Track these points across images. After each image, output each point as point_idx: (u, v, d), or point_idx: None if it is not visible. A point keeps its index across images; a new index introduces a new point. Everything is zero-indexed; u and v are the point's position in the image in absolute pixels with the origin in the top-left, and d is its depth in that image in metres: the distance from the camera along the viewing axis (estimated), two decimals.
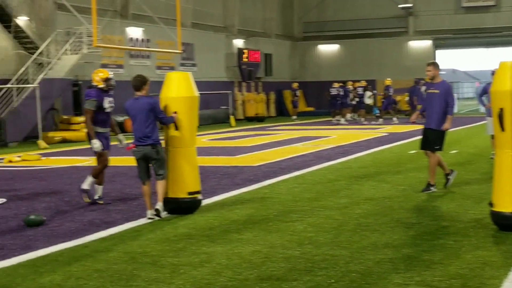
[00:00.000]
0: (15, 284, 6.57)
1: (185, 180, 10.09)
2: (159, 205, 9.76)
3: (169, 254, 7.64)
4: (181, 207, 10.07)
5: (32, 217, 9.53)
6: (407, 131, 26.92)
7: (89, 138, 11.13)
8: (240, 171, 15.19)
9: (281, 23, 48.99)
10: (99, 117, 11.13)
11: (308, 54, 50.04)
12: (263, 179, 13.77)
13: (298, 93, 40.42)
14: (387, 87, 34.19)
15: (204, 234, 8.67)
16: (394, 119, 34.66)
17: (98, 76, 11.28)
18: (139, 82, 9.87)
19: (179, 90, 10.15)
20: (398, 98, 39.16)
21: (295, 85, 40.33)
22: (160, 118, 9.84)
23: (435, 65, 11.49)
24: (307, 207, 10.42)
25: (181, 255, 7.58)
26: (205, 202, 10.80)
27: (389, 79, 35.32)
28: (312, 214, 9.79)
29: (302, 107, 45.64)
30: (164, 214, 9.81)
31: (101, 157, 11.28)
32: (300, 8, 50.33)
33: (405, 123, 32.92)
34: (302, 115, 42.53)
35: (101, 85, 11.25)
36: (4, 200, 11.51)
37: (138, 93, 9.87)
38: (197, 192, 10.24)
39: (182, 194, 10.06)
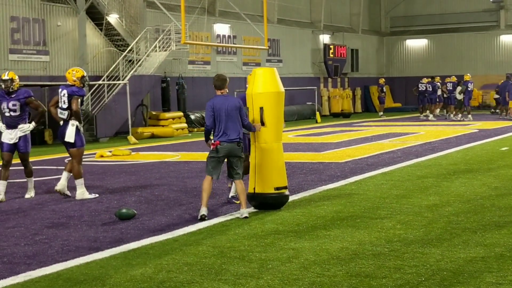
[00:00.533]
0: (108, 276, 6.73)
1: (272, 175, 10.11)
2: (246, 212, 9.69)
3: (257, 249, 7.68)
4: (268, 203, 10.11)
5: (124, 210, 9.75)
6: (498, 128, 26.23)
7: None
8: (326, 167, 15.14)
9: (368, 18, 48.50)
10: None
11: (395, 49, 49.37)
12: (350, 175, 13.68)
13: (385, 88, 39.99)
14: (465, 83, 33.33)
15: (291, 229, 8.68)
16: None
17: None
18: (223, 80, 9.90)
19: (265, 86, 10.18)
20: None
21: (381, 80, 39.89)
22: (243, 122, 9.84)
23: None
24: (395, 204, 10.29)
25: (269, 250, 7.61)
26: (292, 198, 10.81)
27: (469, 74, 34.42)
28: (400, 211, 9.67)
29: (389, 103, 45.11)
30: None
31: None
32: (387, 2, 49.70)
33: (497, 119, 32.10)
34: (388, 111, 42.07)
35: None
36: (96, 195, 11.81)
37: (220, 92, 9.89)
38: (284, 188, 10.25)
39: (269, 189, 10.09)
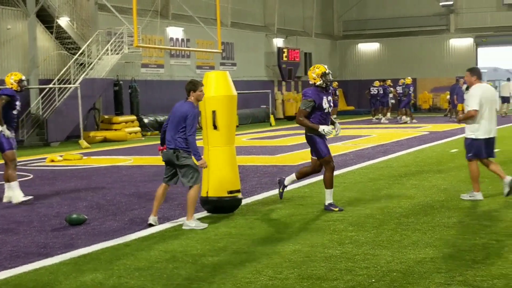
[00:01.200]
0: (58, 282, 6.65)
1: (225, 179, 10.10)
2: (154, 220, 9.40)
3: (209, 253, 7.66)
4: (221, 206, 10.09)
5: (74, 216, 9.64)
6: (449, 130, 26.62)
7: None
8: (280, 170, 15.18)
9: (321, 21, 48.83)
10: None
11: (348, 53, 49.80)
12: (303, 178, 13.70)
13: (338, 92, 40.28)
14: (407, 86, 33.70)
15: (244, 233, 8.68)
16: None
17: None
18: (187, 85, 9.47)
19: (217, 89, 10.18)
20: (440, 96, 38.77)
21: (335, 84, 40.15)
22: (186, 133, 9.13)
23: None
24: (347, 206, 10.37)
25: (221, 254, 7.60)
26: (245, 201, 10.81)
27: (410, 78, 34.87)
28: (352, 214, 9.74)
29: (342, 106, 45.49)
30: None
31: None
32: (340, 6, 50.12)
33: (447, 121, 32.58)
34: (342, 114, 42.39)
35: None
36: (31, 197, 11.69)
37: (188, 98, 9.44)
38: (237, 191, 10.24)
39: (222, 193, 10.08)
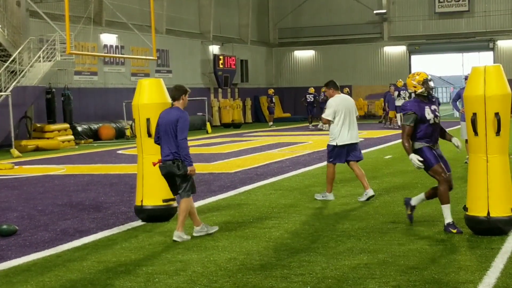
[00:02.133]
0: None
1: (160, 187, 9.97)
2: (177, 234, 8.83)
3: (144, 262, 7.55)
4: (156, 215, 9.98)
5: (4, 226, 9.39)
6: (383, 136, 26.99)
7: None
8: (216, 177, 15.12)
9: (257, 29, 49.00)
10: None
11: (284, 60, 50.09)
12: (239, 185, 13.71)
13: (274, 99, 40.46)
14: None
15: (179, 242, 8.57)
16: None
17: None
18: (171, 91, 9.10)
19: (151, 97, 10.10)
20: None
21: (271, 91, 40.32)
22: (177, 137, 8.78)
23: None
24: (283, 213, 10.38)
25: (156, 263, 7.50)
26: None
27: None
28: (288, 220, 9.75)
29: (279, 113, 45.71)
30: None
31: None
32: (275, 14, 50.38)
33: (381, 128, 33.04)
34: (278, 121, 42.57)
35: None
36: None
37: (175, 103, 9.06)
38: (172, 199, 10.15)
39: (157, 201, 9.97)
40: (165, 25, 38.59)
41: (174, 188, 9.01)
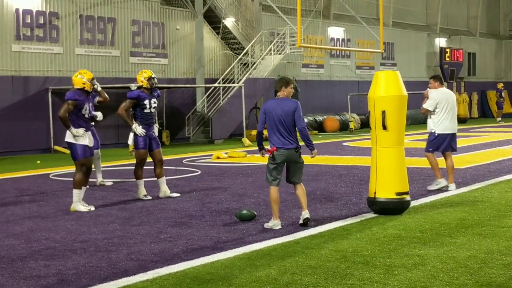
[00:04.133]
0: (234, 276, 6.79)
1: (393, 180, 9.96)
2: (308, 213, 9.37)
3: (380, 254, 7.57)
4: (389, 208, 9.97)
5: (245, 211, 9.82)
6: None
7: None
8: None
9: (486, 20, 47.14)
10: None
11: None
12: (471, 182, 13.32)
13: (504, 93, 38.76)
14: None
15: (415, 236, 8.51)
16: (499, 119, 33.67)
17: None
18: (279, 82, 9.33)
19: (387, 89, 10.05)
20: None
21: (500, 85, 38.68)
22: (298, 125, 9.19)
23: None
24: None
25: (393, 256, 7.49)
26: (412, 203, 10.61)
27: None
28: None
29: (507, 108, 43.69)
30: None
31: None
32: (506, 4, 48.15)
33: None
34: (507, 116, 40.74)
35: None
36: (178, 194, 12.24)
37: (279, 93, 9.31)
38: (405, 193, 10.08)
39: (390, 194, 9.95)
40: (392, 18, 38.30)
41: (280, 175, 9.22)
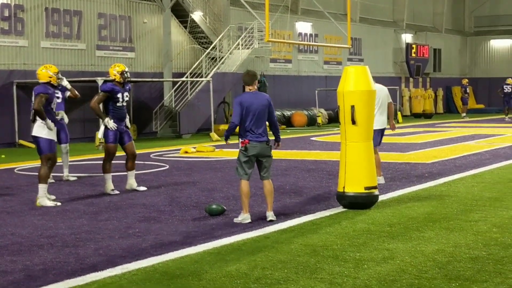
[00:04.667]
0: (204, 271, 6.76)
1: (362, 175, 10.01)
2: (272, 215, 9.37)
3: (350, 248, 7.60)
4: (358, 202, 10.01)
5: (214, 206, 9.80)
6: None
7: None
8: (413, 168, 14.91)
9: (451, 17, 47.61)
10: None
11: (479, 50, 48.30)
12: (438, 176, 13.44)
13: (468, 89, 39.16)
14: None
15: (383, 230, 8.56)
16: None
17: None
18: (252, 76, 9.37)
19: (357, 84, 10.09)
20: None
21: (465, 81, 39.09)
22: (272, 118, 9.41)
23: None
24: (488, 207, 10.04)
25: (362, 250, 7.52)
26: (381, 198, 10.67)
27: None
28: (495, 215, 9.41)
29: (472, 104, 44.19)
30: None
31: None
32: (471, 1, 48.68)
33: None
34: (471, 112, 41.24)
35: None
36: (145, 188, 12.20)
37: (249, 88, 9.36)
38: (374, 187, 10.13)
39: (359, 189, 9.99)
40: (359, 13, 38.49)
41: (251, 170, 9.27)
